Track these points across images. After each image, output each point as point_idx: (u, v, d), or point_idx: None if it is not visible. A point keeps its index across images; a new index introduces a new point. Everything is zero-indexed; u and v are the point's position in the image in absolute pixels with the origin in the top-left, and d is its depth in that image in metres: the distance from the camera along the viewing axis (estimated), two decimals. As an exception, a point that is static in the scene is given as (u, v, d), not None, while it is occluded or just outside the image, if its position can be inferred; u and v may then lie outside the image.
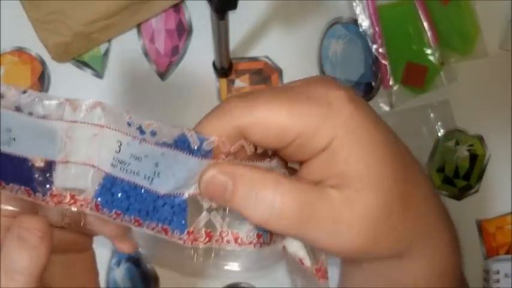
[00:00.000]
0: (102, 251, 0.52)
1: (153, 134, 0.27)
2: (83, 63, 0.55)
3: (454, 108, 0.54)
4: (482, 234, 0.54)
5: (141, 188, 0.27)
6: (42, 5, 0.52)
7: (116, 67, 0.55)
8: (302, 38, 0.55)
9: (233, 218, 0.28)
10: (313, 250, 0.29)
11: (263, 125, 0.27)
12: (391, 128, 0.29)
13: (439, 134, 0.54)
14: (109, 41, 0.55)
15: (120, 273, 0.53)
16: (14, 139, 0.28)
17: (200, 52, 0.54)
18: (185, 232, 0.28)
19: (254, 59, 0.55)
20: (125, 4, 0.51)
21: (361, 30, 0.53)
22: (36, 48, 0.54)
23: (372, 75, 0.55)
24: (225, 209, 0.28)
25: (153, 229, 0.28)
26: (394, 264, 0.29)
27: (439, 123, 0.54)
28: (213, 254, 0.28)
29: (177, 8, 0.55)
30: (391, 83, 0.54)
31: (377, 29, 0.53)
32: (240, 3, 0.38)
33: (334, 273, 0.32)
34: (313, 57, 0.55)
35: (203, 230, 0.28)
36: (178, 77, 0.55)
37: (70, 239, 0.32)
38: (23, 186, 0.28)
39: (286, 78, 0.55)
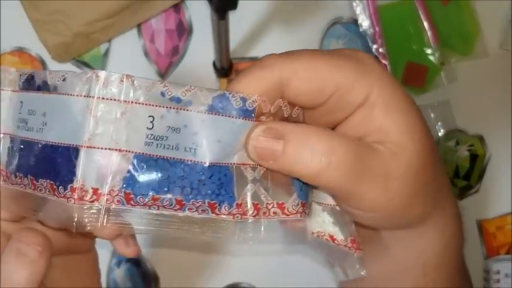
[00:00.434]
0: (103, 252, 0.52)
1: (190, 100, 0.25)
2: (83, 63, 0.55)
3: (454, 108, 0.54)
4: (482, 234, 0.54)
5: (182, 162, 0.25)
6: (42, 5, 0.52)
7: (116, 67, 0.55)
8: (302, 38, 0.55)
9: (276, 188, 0.27)
10: (341, 222, 0.29)
11: (304, 77, 0.27)
12: None
13: (440, 134, 0.54)
14: (109, 41, 0.55)
15: (120, 273, 0.53)
16: (46, 123, 0.26)
17: (200, 52, 0.54)
18: (234, 205, 0.26)
19: (254, 59, 0.55)
20: (125, 4, 0.51)
21: (361, 30, 0.53)
22: (36, 48, 0.54)
23: (372, 75, 0.55)
24: (267, 179, 0.27)
25: (197, 209, 0.25)
26: (413, 232, 0.29)
27: (439, 123, 0.54)
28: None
29: (177, 8, 0.55)
30: (391, 83, 0.54)
31: (377, 29, 0.53)
32: (240, 3, 0.38)
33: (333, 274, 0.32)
34: (313, 57, 0.55)
35: (250, 202, 0.26)
36: (179, 77, 0.55)
37: (72, 241, 0.32)
38: (48, 180, 0.25)
39: (287, 78, 0.55)
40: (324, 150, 0.26)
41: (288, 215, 0.27)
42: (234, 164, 0.26)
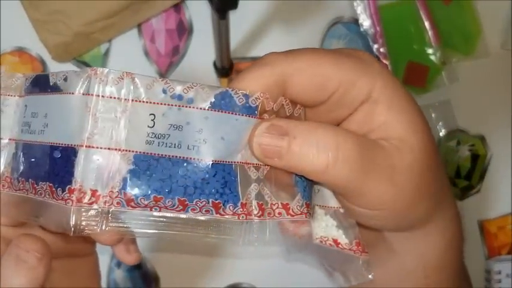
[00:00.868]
0: (103, 252, 0.52)
1: (192, 97, 0.24)
2: (83, 63, 0.55)
3: (456, 108, 0.54)
4: (483, 234, 0.54)
5: (185, 160, 0.24)
6: (42, 5, 0.52)
7: (116, 67, 0.54)
8: (303, 37, 0.55)
9: (279, 188, 0.26)
10: (345, 225, 0.28)
11: (306, 74, 0.26)
12: None
13: (441, 134, 0.54)
14: (109, 40, 0.55)
15: (120, 274, 0.53)
16: (47, 125, 0.25)
17: (201, 52, 0.54)
18: (239, 204, 0.25)
19: (255, 59, 0.55)
20: (125, 4, 0.51)
21: (362, 30, 0.53)
22: (36, 48, 0.54)
23: (373, 75, 0.55)
24: (270, 179, 0.26)
25: (200, 209, 0.24)
26: (415, 234, 0.29)
27: (440, 123, 0.54)
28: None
29: (177, 7, 0.55)
30: (392, 82, 0.53)
31: (378, 28, 0.53)
32: (240, 3, 0.38)
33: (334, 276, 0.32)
34: (314, 57, 0.55)
35: (255, 202, 0.25)
36: (179, 77, 0.55)
37: (73, 245, 0.32)
38: (47, 183, 0.24)
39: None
40: (331, 145, 0.25)
41: (293, 215, 0.26)
42: (237, 162, 0.25)
